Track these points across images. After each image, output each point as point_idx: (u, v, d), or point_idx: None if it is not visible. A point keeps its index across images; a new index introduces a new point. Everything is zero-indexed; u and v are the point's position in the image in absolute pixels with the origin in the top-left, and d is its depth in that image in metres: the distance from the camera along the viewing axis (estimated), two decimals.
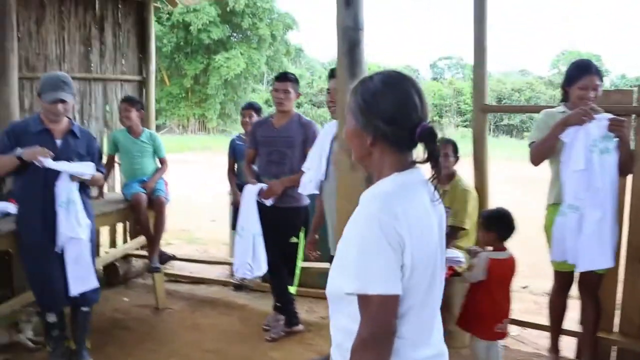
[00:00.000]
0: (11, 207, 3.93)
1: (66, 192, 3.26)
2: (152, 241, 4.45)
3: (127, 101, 4.52)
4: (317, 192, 3.36)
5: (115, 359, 3.72)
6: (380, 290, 1.28)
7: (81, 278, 3.41)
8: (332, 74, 3.26)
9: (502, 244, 3.04)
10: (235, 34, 29.25)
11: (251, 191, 3.92)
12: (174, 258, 4.77)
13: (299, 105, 34.75)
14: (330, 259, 3.47)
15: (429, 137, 1.37)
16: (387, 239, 1.29)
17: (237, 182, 5.11)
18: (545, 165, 3.20)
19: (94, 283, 3.50)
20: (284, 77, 3.99)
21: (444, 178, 3.77)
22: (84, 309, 3.57)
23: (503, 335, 3.05)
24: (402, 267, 1.31)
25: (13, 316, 4.09)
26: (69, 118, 3.49)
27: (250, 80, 30.25)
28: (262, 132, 4.06)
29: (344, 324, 1.39)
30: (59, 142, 3.37)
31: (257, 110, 5.14)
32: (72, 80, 3.40)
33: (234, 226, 5.31)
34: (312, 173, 3.35)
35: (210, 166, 14.66)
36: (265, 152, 4.01)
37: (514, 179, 11.56)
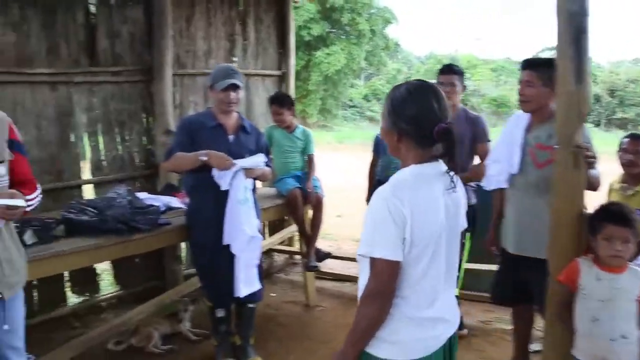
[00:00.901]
0: (174, 201, 4.01)
1: (243, 190, 3.24)
2: (309, 238, 4.39)
3: (277, 102, 4.46)
4: (506, 186, 3.11)
5: (277, 356, 3.69)
6: (383, 254, 1.61)
7: (249, 280, 3.38)
8: (525, 66, 3.00)
9: None
10: (334, 30, 29.26)
11: None
12: (330, 256, 4.69)
13: None
14: (503, 257, 3.25)
15: (444, 135, 1.64)
16: (392, 216, 1.59)
17: (377, 178, 5.03)
18: None
19: (258, 285, 3.47)
20: (448, 70, 3.80)
21: (633, 178, 3.41)
22: (251, 305, 3.56)
23: None
24: (404, 240, 1.61)
25: (172, 307, 4.19)
26: (238, 113, 3.48)
27: (350, 76, 30.17)
28: None
29: (364, 282, 1.70)
30: (231, 137, 3.36)
31: None
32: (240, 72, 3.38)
33: None
34: (501, 166, 3.12)
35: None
36: None
37: None
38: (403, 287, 1.66)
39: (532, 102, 2.92)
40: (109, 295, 4.71)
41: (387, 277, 1.62)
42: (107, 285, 4.88)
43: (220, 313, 3.52)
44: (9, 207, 2.03)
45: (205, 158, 3.16)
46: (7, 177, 2.19)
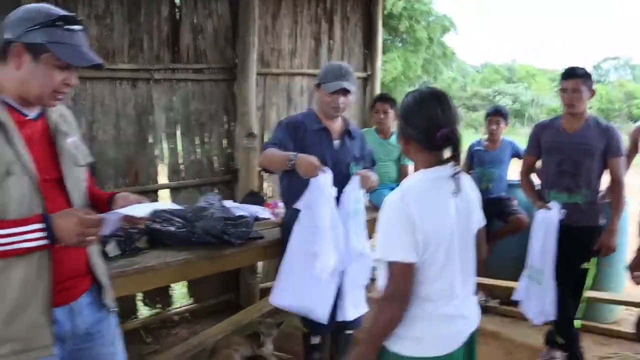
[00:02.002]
0: (262, 211, 3.66)
1: (354, 201, 2.84)
2: None
3: (386, 100, 4.06)
4: None
5: None
6: (398, 258, 1.69)
7: (356, 302, 2.98)
8: None
9: None
10: (391, 37, 28.77)
11: (550, 221, 3.26)
12: None
13: None
14: None
15: (446, 139, 1.73)
16: (401, 221, 1.68)
17: None
18: None
19: (364, 308, 3.07)
20: (572, 74, 3.33)
21: None
22: (348, 332, 3.17)
23: None
24: (416, 243, 1.68)
25: (251, 327, 3.84)
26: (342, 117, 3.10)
27: (405, 84, 29.63)
28: (548, 136, 3.42)
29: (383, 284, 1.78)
30: (336, 143, 2.99)
31: (505, 116, 4.55)
32: (354, 73, 2.98)
33: None
34: None
35: None
36: (555, 161, 3.37)
37: None
38: (421, 287, 1.75)
39: None
40: (182, 308, 4.40)
41: (403, 279, 1.72)
42: (180, 297, 4.57)
43: (316, 340, 3.14)
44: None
45: (293, 161, 2.67)
46: None
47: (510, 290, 4.50)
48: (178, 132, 4.20)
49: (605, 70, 45.30)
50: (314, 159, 2.66)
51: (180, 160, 4.24)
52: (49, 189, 1.63)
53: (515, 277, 4.58)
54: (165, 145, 4.14)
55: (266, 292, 4.67)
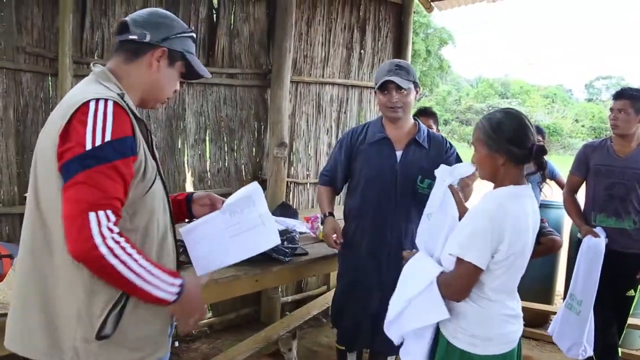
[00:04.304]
0: (299, 225, 3.52)
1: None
2: None
3: (429, 114, 3.92)
4: None
5: None
6: (473, 259, 1.81)
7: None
8: None
9: None
10: None
11: (597, 250, 3.13)
12: None
13: (445, 123, 33.47)
14: None
15: (540, 153, 1.87)
16: (492, 229, 1.79)
17: None
18: None
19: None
20: (620, 94, 3.24)
21: None
22: (390, 358, 3.02)
23: None
24: (498, 252, 1.81)
25: (273, 344, 3.70)
26: (416, 121, 2.85)
27: None
28: (598, 159, 3.31)
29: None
30: (399, 154, 2.75)
31: (544, 135, 4.47)
32: (413, 68, 2.76)
33: None
34: None
35: None
36: (604, 184, 3.26)
37: None
38: (497, 290, 1.88)
39: None
40: (201, 322, 4.22)
41: (468, 279, 1.84)
42: None
43: (352, 357, 3.02)
44: None
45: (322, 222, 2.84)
46: None
47: (533, 312, 4.42)
48: (207, 138, 4.05)
49: (598, 90, 45.87)
50: (330, 232, 2.77)
51: (207, 168, 4.07)
52: None
53: (536, 298, 4.50)
54: (193, 152, 3.98)
55: (287, 306, 4.54)
